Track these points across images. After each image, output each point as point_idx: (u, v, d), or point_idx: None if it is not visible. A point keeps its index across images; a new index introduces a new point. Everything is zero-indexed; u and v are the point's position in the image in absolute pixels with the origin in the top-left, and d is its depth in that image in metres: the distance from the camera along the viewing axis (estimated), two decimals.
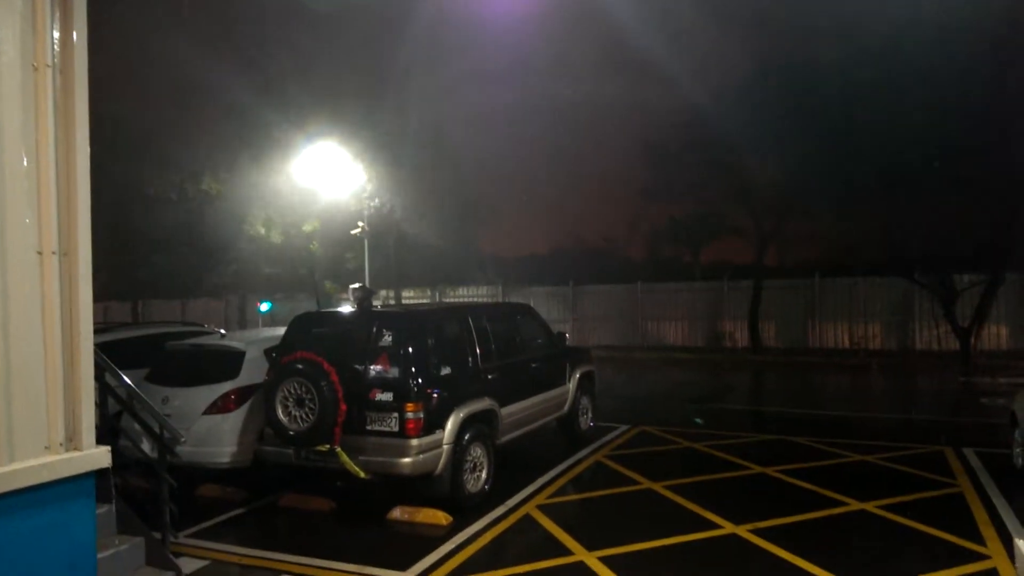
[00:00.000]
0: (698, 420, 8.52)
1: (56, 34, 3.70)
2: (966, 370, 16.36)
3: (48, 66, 3.64)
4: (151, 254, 21.45)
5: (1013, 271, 16.62)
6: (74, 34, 3.76)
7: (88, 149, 3.81)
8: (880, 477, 7.86)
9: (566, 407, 9.38)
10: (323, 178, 17.21)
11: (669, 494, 7.31)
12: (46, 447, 3.68)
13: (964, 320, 17.39)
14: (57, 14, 3.68)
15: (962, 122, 14.65)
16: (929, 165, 15.53)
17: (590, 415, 10.07)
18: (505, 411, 7.75)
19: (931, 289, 17.99)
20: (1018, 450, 7.56)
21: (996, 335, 18.52)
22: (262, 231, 18.88)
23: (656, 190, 24.44)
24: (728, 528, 6.26)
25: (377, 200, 18.81)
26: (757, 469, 8.21)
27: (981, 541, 5.79)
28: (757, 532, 6.12)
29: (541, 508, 6.97)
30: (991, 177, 14.41)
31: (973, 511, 6.56)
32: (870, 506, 6.74)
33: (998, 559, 5.40)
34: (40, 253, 3.65)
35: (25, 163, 3.56)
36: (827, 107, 16.64)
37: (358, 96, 19.40)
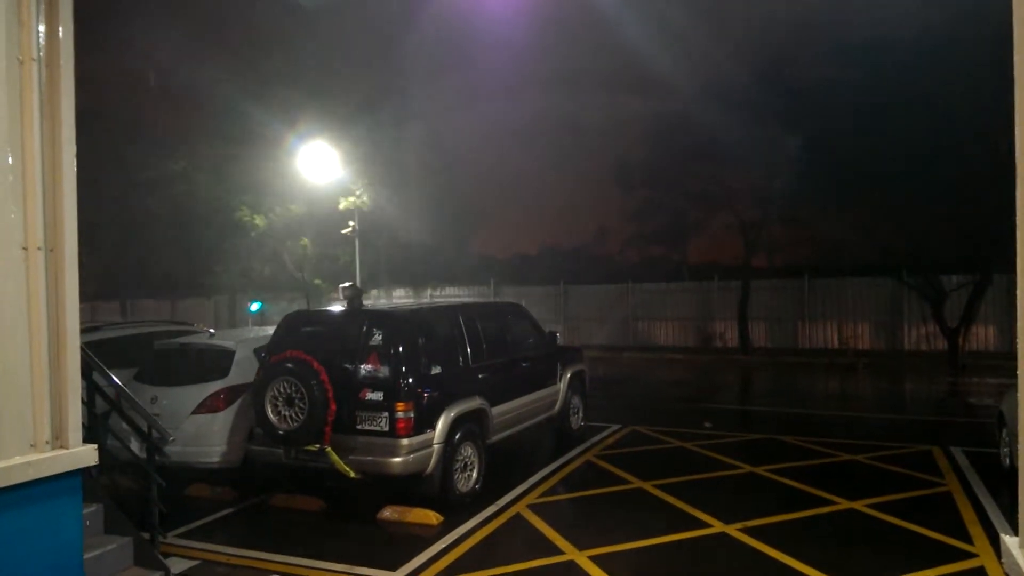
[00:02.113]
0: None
1: (42, 28, 3.66)
2: (954, 370, 16.47)
3: (34, 60, 3.60)
4: (137, 248, 21.37)
5: (1001, 272, 16.73)
6: (60, 28, 3.73)
7: (74, 144, 3.77)
8: (869, 476, 7.89)
9: (557, 406, 9.38)
10: (311, 170, 17.14)
11: (659, 493, 7.31)
12: (32, 445, 3.64)
13: (952, 321, 17.50)
14: (43, 7, 3.65)
15: (950, 123, 14.74)
16: (917, 166, 15.63)
17: (581, 414, 10.07)
18: (496, 410, 7.74)
19: (920, 290, 18.11)
20: (1005, 449, 7.60)
21: (984, 336, 18.65)
22: (246, 216, 18.79)
23: (644, 192, 24.52)
24: (718, 527, 6.27)
25: (367, 198, 18.73)
26: (747, 468, 8.23)
27: (969, 540, 5.83)
28: (746, 531, 6.14)
29: (532, 507, 6.96)
30: (979, 178, 14.50)
31: (961, 510, 6.60)
32: (859, 505, 6.77)
33: (985, 557, 5.44)
34: (25, 249, 3.61)
35: (10, 158, 3.52)
36: (815, 110, 16.72)
37: (349, 94, 19.34)
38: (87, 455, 3.88)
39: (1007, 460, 7.54)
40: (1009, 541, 2.31)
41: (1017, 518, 2.34)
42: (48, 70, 3.70)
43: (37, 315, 3.64)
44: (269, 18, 19.58)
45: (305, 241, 19.71)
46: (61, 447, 3.78)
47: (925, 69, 14.82)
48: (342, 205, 17.93)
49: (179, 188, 19.31)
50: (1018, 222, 2.31)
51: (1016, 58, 2.34)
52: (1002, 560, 2.34)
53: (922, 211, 16.19)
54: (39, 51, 3.65)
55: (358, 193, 17.93)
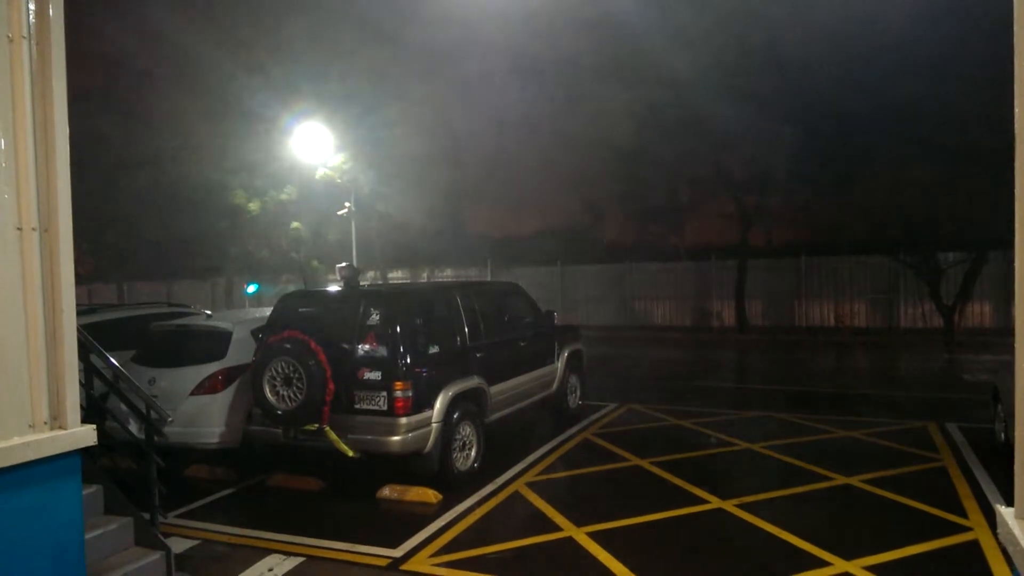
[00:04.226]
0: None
1: (32, 5, 3.60)
2: (950, 347, 16.55)
3: (24, 37, 3.55)
4: (135, 231, 21.31)
5: (996, 249, 16.76)
6: (50, 5, 3.67)
7: (67, 122, 3.73)
8: (865, 452, 7.95)
9: (554, 385, 9.41)
10: (304, 151, 17.03)
11: (656, 470, 7.36)
12: (30, 425, 3.64)
13: (948, 298, 17.56)
14: None
15: (946, 101, 14.70)
16: (913, 145, 15.60)
17: (578, 393, 10.11)
18: (494, 389, 7.77)
19: (915, 267, 18.15)
20: (1000, 425, 7.66)
21: (980, 312, 18.73)
22: (243, 200, 18.70)
23: (642, 173, 24.44)
24: (715, 503, 6.32)
25: (364, 178, 18.65)
26: (743, 445, 8.29)
27: (963, 514, 5.89)
28: (743, 507, 6.19)
29: (530, 485, 7.00)
30: (975, 156, 14.48)
31: (956, 485, 6.66)
32: (855, 480, 6.83)
33: (980, 531, 5.50)
34: (20, 229, 3.58)
35: (1, 138, 3.49)
36: (812, 90, 16.66)
37: (343, 75, 19.19)
38: (86, 435, 3.88)
39: (1002, 435, 7.60)
40: (1004, 512, 2.32)
41: (1013, 491, 2.35)
42: (39, 48, 3.65)
43: (32, 296, 3.62)
44: None
45: (297, 225, 19.64)
46: (60, 428, 3.78)
47: (923, 48, 14.75)
48: (319, 174, 17.80)
49: (170, 169, 19.17)
50: (1016, 198, 2.30)
51: (1016, 30, 2.32)
52: (997, 531, 2.36)
53: (918, 189, 16.19)
54: (29, 28, 3.59)
55: (339, 163, 17.74)
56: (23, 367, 3.60)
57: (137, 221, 21.20)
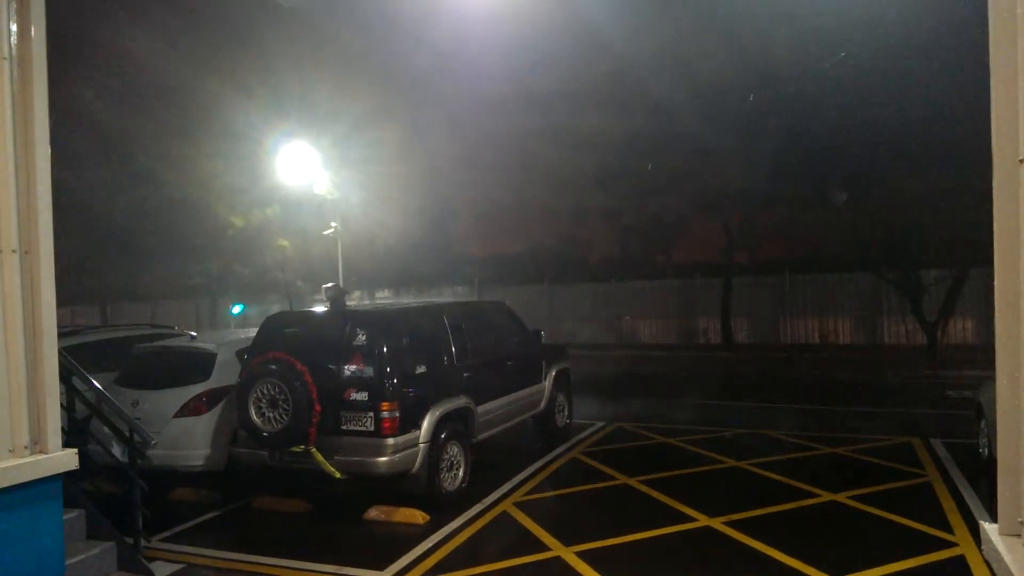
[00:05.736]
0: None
1: (13, 26, 3.60)
2: (933, 363, 16.67)
3: (5, 58, 3.55)
4: (117, 253, 21.13)
5: (978, 266, 16.96)
6: (32, 26, 3.67)
7: (48, 143, 3.72)
8: (850, 468, 7.97)
9: (542, 404, 9.38)
10: (292, 173, 16.99)
11: (645, 489, 7.34)
12: (10, 450, 3.59)
13: (931, 315, 17.72)
14: (14, 6, 3.59)
15: (926, 119, 14.93)
16: (896, 164, 15.82)
17: (566, 412, 10.08)
18: (481, 409, 7.74)
19: (898, 285, 18.32)
20: (984, 440, 7.70)
21: (962, 329, 18.89)
22: (226, 213, 18.63)
23: (628, 192, 24.61)
24: (703, 521, 6.31)
25: (351, 197, 18.64)
26: (731, 463, 8.29)
27: (949, 529, 5.91)
28: (731, 524, 6.18)
29: (518, 505, 6.96)
30: (956, 174, 14.69)
31: (941, 500, 6.69)
32: (841, 497, 6.84)
33: (965, 546, 5.52)
34: (0, 251, 3.56)
35: None
36: (797, 109, 16.88)
37: (329, 94, 19.23)
38: (67, 460, 3.83)
39: (985, 450, 7.64)
40: (988, 528, 2.34)
41: (996, 506, 2.37)
42: (20, 69, 3.64)
43: (13, 318, 3.59)
44: (245, 15, 19.40)
45: (284, 243, 19.57)
46: (40, 452, 3.73)
47: (905, 67, 15.00)
48: (316, 190, 17.76)
49: (149, 190, 19.05)
50: (995, 216, 2.34)
51: (992, 51, 2.37)
52: (982, 547, 2.37)
53: (901, 207, 16.40)
54: (11, 50, 3.59)
55: (326, 190, 17.75)
56: (3, 391, 3.56)
57: (116, 241, 21.00)
